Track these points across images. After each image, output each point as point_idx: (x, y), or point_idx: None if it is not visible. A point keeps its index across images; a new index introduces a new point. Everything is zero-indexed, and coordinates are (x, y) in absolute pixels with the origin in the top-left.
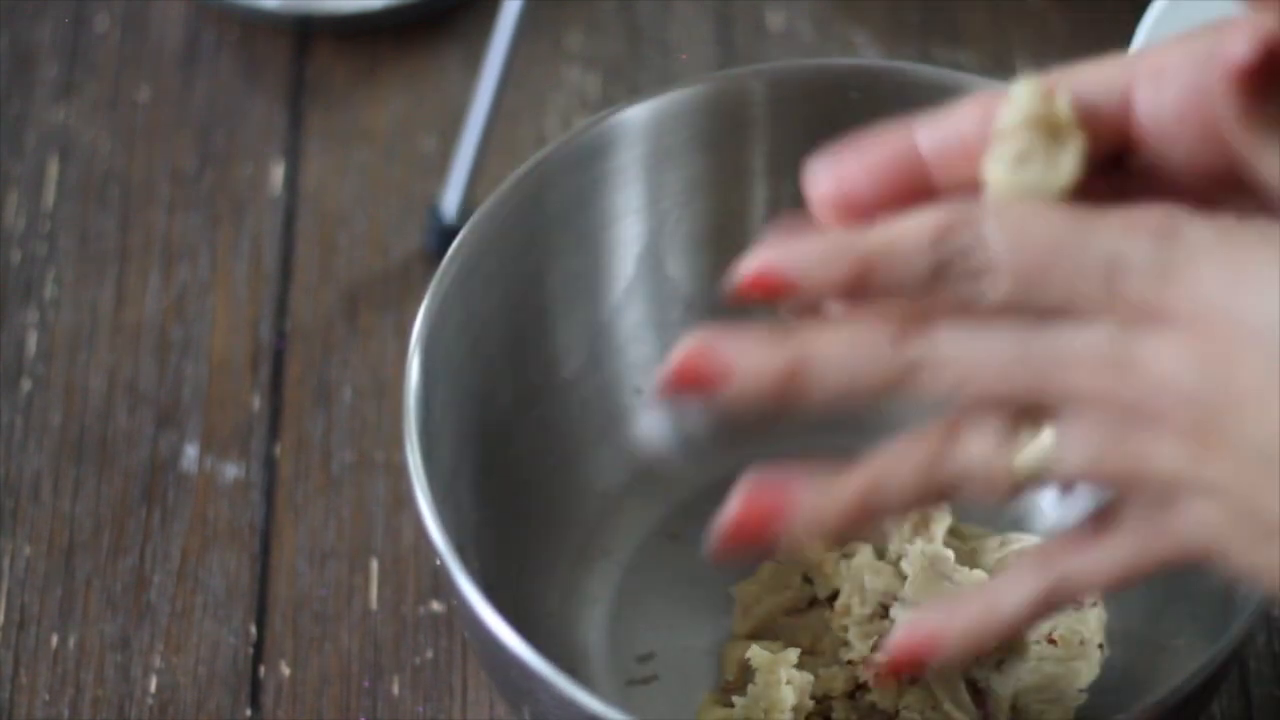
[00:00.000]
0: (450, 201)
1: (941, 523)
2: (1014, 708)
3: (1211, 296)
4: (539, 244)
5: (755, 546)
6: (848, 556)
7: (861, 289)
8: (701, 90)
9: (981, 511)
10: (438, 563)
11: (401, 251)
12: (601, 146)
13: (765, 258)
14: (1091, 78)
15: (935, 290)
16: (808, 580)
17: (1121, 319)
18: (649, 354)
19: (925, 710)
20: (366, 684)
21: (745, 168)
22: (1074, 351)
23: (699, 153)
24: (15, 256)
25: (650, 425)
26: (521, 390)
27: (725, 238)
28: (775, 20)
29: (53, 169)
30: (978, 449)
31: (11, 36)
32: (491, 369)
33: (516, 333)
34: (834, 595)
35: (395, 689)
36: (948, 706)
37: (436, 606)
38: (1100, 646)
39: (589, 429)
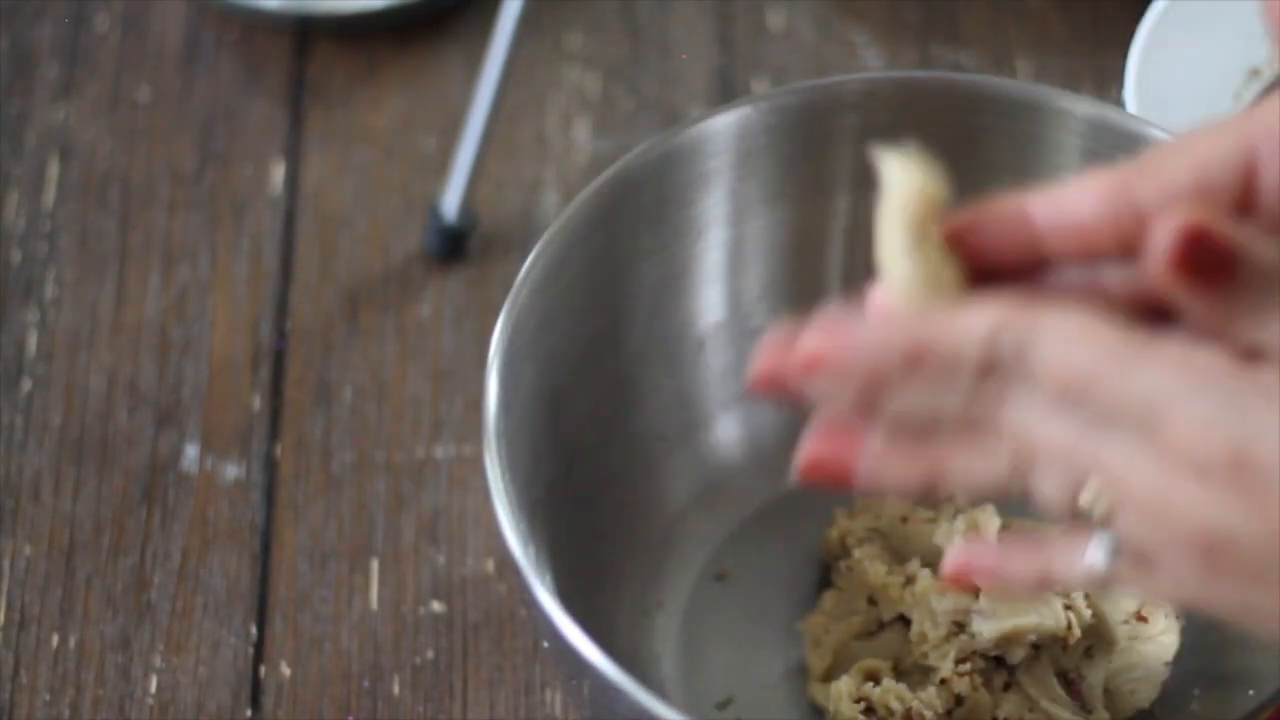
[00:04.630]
0: (450, 202)
1: (991, 525)
2: (1106, 691)
3: (1253, 453)
4: (617, 252)
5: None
6: (910, 582)
7: (903, 380)
8: (789, 99)
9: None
10: (522, 582)
11: (401, 251)
12: (684, 155)
13: (819, 340)
14: (1207, 150)
15: (974, 391)
16: (872, 602)
17: (1155, 454)
18: (728, 362)
19: (1024, 714)
20: (366, 684)
21: (829, 178)
22: (1121, 469)
23: (783, 162)
24: (15, 256)
25: (725, 434)
26: (596, 401)
27: (807, 247)
28: (775, 20)
29: (53, 169)
30: (1049, 486)
31: (11, 36)
32: (567, 380)
33: (593, 342)
34: (896, 618)
35: (395, 689)
36: (1045, 704)
37: (437, 606)
38: (1176, 616)
39: (665, 438)
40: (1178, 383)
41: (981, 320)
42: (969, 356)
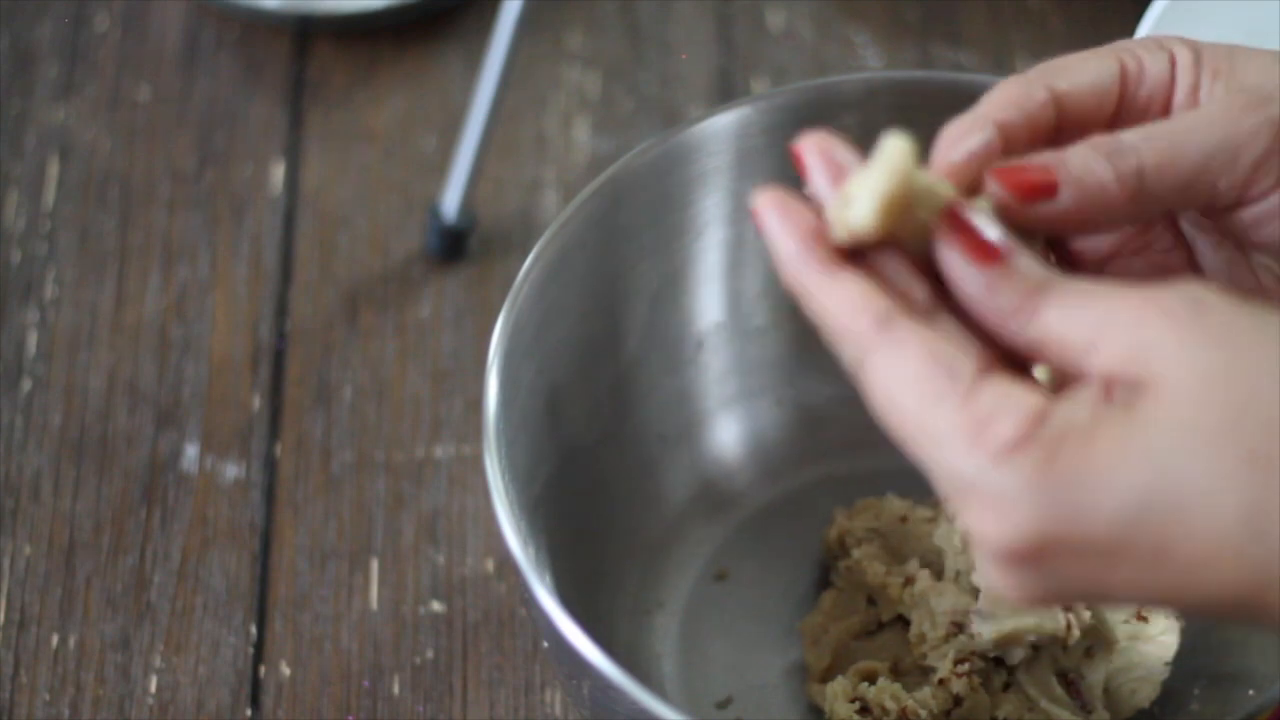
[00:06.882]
0: (450, 202)
1: None
2: (1106, 691)
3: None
4: (617, 252)
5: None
6: (909, 582)
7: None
8: (789, 99)
9: None
10: (523, 582)
11: (401, 251)
12: (683, 154)
13: (769, 211)
14: (1081, 74)
15: None
16: (871, 602)
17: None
18: (728, 362)
19: (1023, 714)
20: (366, 684)
21: None
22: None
23: (783, 162)
24: (15, 256)
25: (724, 434)
26: (596, 400)
27: None
28: (775, 20)
29: (53, 169)
30: None
31: (11, 36)
32: (567, 380)
33: (593, 342)
34: (896, 618)
35: (395, 689)
36: (1044, 704)
37: (436, 606)
38: (1177, 617)
39: (665, 437)
40: (969, 446)
41: (841, 309)
42: (824, 324)
